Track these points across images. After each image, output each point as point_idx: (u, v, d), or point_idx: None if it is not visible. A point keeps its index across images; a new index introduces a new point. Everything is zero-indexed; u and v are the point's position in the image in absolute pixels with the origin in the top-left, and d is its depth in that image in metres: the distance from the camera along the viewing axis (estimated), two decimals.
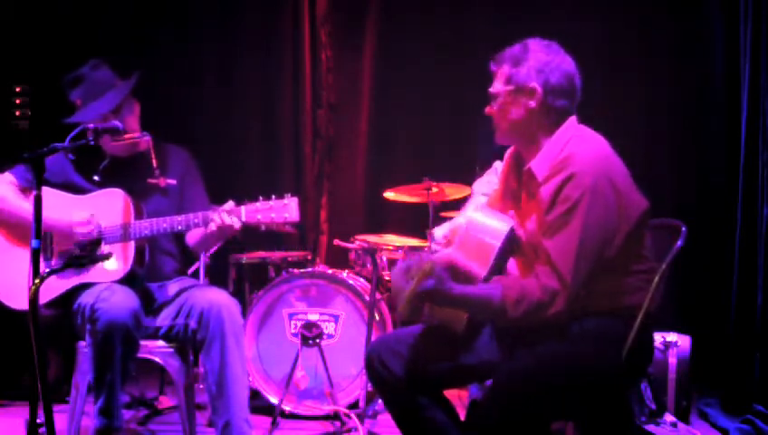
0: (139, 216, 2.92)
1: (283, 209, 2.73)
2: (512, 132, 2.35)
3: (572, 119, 2.32)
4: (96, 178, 3.03)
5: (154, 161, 3.02)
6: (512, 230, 2.32)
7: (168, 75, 4.79)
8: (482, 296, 2.20)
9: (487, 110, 2.37)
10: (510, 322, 2.19)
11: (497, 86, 2.34)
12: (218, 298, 2.91)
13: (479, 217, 2.36)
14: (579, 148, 2.23)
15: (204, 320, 2.86)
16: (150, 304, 3.00)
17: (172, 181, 3.09)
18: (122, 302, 2.74)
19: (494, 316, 2.25)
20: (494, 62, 2.37)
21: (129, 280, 2.89)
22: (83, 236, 2.86)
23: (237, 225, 2.76)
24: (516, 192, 2.42)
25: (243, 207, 2.77)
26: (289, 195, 2.76)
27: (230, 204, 2.79)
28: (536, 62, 2.28)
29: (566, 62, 2.32)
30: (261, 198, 2.76)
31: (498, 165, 2.57)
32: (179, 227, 2.84)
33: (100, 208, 2.93)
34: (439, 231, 2.54)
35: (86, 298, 2.80)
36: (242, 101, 5.13)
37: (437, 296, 2.18)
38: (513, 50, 2.33)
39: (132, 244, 2.88)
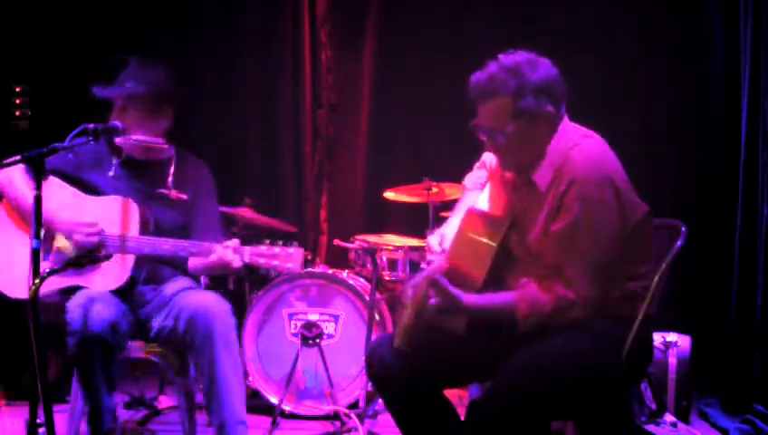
0: (144, 229, 2.91)
1: (287, 259, 2.72)
2: (526, 158, 2.29)
3: (566, 118, 2.31)
4: (111, 173, 3.00)
5: (171, 176, 3.01)
6: (507, 233, 2.31)
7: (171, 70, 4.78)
8: (494, 307, 2.22)
9: (491, 148, 2.30)
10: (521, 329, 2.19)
11: (500, 122, 2.22)
12: (207, 302, 2.88)
13: (473, 219, 2.35)
14: (579, 152, 2.22)
15: (192, 325, 2.84)
16: (145, 305, 3.00)
17: (183, 196, 3.05)
18: (98, 314, 2.72)
19: (507, 324, 2.24)
20: (479, 95, 2.24)
21: (124, 288, 2.90)
22: (82, 241, 2.85)
23: (238, 263, 2.74)
24: (517, 200, 2.40)
25: (247, 249, 2.75)
26: (296, 244, 2.77)
27: (235, 241, 2.77)
28: (535, 84, 2.20)
29: (551, 69, 2.25)
30: (268, 241, 2.76)
31: (486, 157, 2.54)
32: (181, 254, 2.84)
33: (107, 214, 2.91)
34: (433, 239, 2.53)
35: (72, 304, 2.78)
36: (242, 101, 5.13)
37: (451, 310, 2.19)
38: (498, 80, 2.21)
39: (132, 257, 2.88)
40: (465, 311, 2.20)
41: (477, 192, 2.56)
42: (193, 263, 3.08)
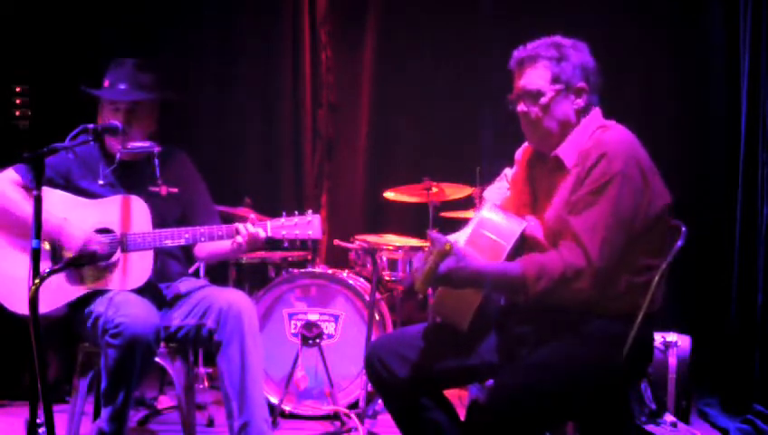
0: (155, 225, 2.89)
1: (307, 226, 2.81)
2: (553, 132, 2.33)
3: (597, 109, 2.37)
4: (101, 181, 2.99)
5: (158, 172, 2.96)
6: (524, 232, 2.31)
7: (167, 75, 4.78)
8: (502, 272, 2.20)
9: (523, 108, 2.33)
10: (531, 298, 2.17)
11: (539, 84, 2.31)
12: (237, 299, 2.91)
13: (491, 217, 2.36)
14: (607, 133, 2.27)
15: (222, 321, 2.84)
16: (163, 304, 2.98)
17: (174, 190, 3.05)
18: (146, 317, 2.70)
19: (515, 292, 2.23)
20: (521, 61, 2.34)
21: (143, 286, 2.87)
22: (100, 251, 2.82)
23: (263, 235, 2.81)
24: (534, 188, 2.41)
25: (268, 222, 2.81)
26: (311, 211, 2.83)
27: (252, 218, 2.84)
28: (576, 60, 2.31)
29: (589, 56, 2.37)
30: (284, 213, 2.83)
31: (508, 171, 2.58)
32: (202, 239, 2.85)
33: (120, 215, 2.89)
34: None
35: (100, 306, 2.75)
36: (242, 100, 5.13)
37: (458, 273, 2.14)
38: (542, 47, 2.32)
39: (151, 253, 2.85)
40: (473, 274, 2.16)
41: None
42: (204, 252, 3.10)
